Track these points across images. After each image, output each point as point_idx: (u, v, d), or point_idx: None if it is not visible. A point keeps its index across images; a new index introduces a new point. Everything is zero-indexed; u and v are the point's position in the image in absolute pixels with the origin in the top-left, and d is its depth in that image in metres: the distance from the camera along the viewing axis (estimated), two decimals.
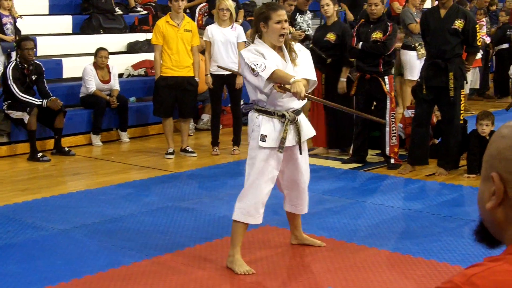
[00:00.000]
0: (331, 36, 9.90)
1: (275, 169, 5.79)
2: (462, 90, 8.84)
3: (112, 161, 10.02)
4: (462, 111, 8.89)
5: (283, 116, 5.67)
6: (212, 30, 10.17)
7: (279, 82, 5.55)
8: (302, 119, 5.88)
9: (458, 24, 8.65)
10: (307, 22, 11.14)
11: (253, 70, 5.47)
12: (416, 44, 12.16)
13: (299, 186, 6.06)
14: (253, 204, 5.75)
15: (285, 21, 5.65)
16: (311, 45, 10.01)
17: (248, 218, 5.80)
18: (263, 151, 5.69)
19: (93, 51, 11.45)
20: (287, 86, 5.50)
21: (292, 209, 6.19)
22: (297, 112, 5.77)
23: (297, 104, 5.73)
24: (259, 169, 5.73)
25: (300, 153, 5.84)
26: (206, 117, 12.40)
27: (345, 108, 6.60)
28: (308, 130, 5.94)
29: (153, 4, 14.66)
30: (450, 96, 8.70)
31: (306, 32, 10.78)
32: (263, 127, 5.68)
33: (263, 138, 5.66)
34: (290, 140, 5.72)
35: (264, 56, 5.59)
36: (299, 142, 5.78)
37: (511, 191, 1.70)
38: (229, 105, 10.98)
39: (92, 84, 11.14)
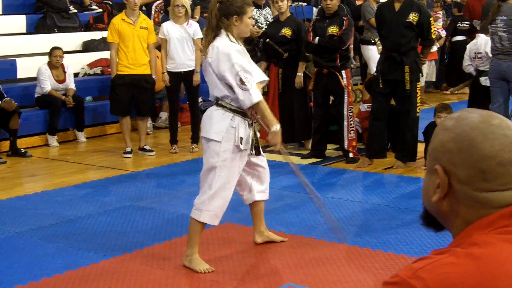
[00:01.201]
0: (286, 31, 9.90)
1: (241, 170, 5.80)
2: (418, 83, 8.89)
3: (69, 162, 9.93)
4: (418, 104, 8.94)
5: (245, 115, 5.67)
6: (168, 27, 10.11)
7: (260, 115, 5.59)
8: None
9: (413, 17, 8.70)
10: (264, 16, 11.10)
11: (242, 82, 5.41)
12: (376, 39, 12.21)
13: (262, 165, 6.05)
14: (221, 206, 5.73)
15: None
16: (267, 40, 10.00)
17: (215, 220, 5.76)
18: (239, 153, 5.65)
19: (48, 50, 11.33)
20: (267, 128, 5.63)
21: (262, 196, 6.12)
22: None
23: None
24: (233, 171, 5.69)
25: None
26: (164, 115, 12.34)
27: None
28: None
29: (110, 3, 14.55)
30: (406, 89, 8.75)
31: (263, 28, 10.75)
32: (240, 129, 5.61)
33: (241, 141, 5.61)
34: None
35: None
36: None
37: (455, 184, 1.71)
38: (187, 102, 10.94)
39: (47, 84, 11.02)
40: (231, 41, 5.60)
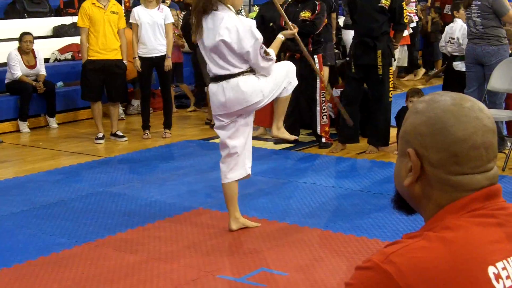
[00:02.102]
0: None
1: None
2: (390, 68, 8.91)
3: (40, 148, 9.87)
4: (390, 89, 8.96)
5: None
6: (139, 12, 10.05)
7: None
8: None
9: (385, 2, 8.70)
10: None
11: (267, 54, 5.78)
12: None
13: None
14: None
15: None
16: (271, 24, 9.94)
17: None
18: None
19: (18, 36, 11.21)
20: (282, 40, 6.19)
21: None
22: None
23: None
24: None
25: None
26: (136, 103, 12.29)
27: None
28: None
29: None
30: (379, 74, 8.77)
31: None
32: None
33: None
34: None
35: None
36: None
37: (427, 167, 1.71)
38: (158, 88, 10.90)
39: (18, 69, 10.93)
40: (237, 15, 5.84)
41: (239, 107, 5.88)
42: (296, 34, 6.33)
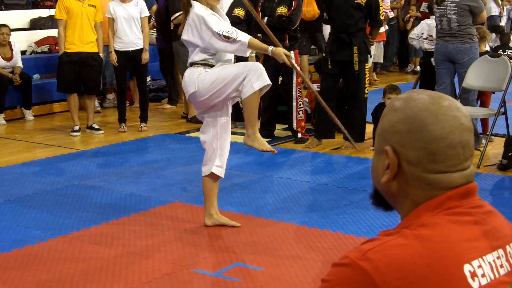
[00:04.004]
0: (239, 12, 9.87)
1: None
2: (366, 64, 8.95)
3: (16, 140, 9.82)
4: (366, 85, 8.99)
5: None
6: (114, 6, 10.03)
7: (255, 50, 6.03)
8: None
9: None
10: None
11: (227, 37, 5.64)
12: None
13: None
14: None
15: None
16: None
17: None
18: None
19: None
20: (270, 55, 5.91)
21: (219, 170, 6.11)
22: None
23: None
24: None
25: None
26: (112, 96, 12.26)
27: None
28: None
29: None
30: (355, 70, 8.80)
31: None
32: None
33: None
34: None
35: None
36: None
37: (405, 164, 1.72)
38: (129, 81, 10.87)
39: None
40: (202, 7, 5.82)
41: (187, 97, 6.05)
42: (286, 59, 5.92)
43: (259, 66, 5.70)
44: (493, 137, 8.97)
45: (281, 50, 5.88)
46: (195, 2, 5.85)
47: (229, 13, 9.92)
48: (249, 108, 5.81)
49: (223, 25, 5.75)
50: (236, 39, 5.65)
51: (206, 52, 5.83)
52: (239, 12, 9.87)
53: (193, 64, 5.88)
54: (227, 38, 5.64)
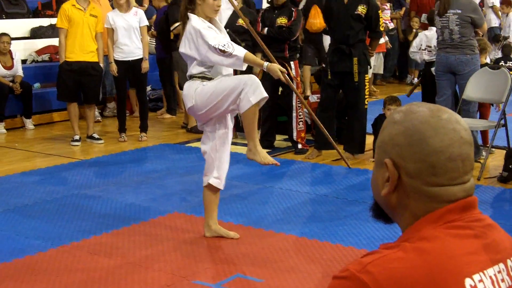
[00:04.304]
0: (242, 22, 9.87)
1: None
2: (366, 75, 8.96)
3: (16, 149, 9.82)
4: (366, 96, 9.00)
5: None
6: (114, 16, 10.05)
7: (250, 64, 5.89)
8: None
9: (361, 9, 8.76)
10: None
11: (223, 51, 5.62)
12: None
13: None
14: None
15: None
16: (226, 30, 9.93)
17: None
18: None
19: None
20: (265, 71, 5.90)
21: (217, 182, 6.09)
22: None
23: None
24: None
25: None
26: (112, 105, 12.28)
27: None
28: None
29: None
30: (355, 81, 8.81)
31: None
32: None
33: None
34: None
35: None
36: None
37: (404, 177, 1.73)
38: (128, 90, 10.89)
39: None
40: (199, 20, 5.82)
41: (187, 110, 6.10)
42: (281, 75, 5.91)
43: (255, 79, 5.67)
44: (493, 149, 8.97)
45: (276, 66, 5.87)
46: (192, 15, 5.84)
47: (233, 23, 9.93)
48: (248, 122, 5.79)
49: (220, 39, 5.73)
50: (232, 53, 5.63)
51: (203, 65, 5.83)
52: (243, 22, 9.86)
53: (191, 77, 5.89)
54: (223, 52, 5.62)
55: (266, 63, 5.84)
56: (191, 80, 5.88)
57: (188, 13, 5.86)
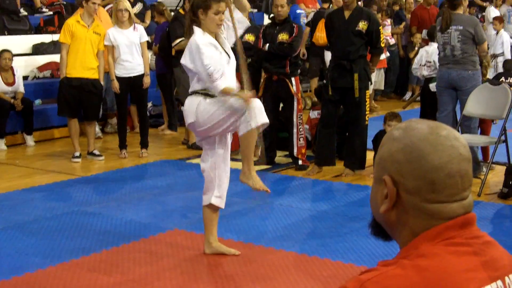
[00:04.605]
0: (250, 37, 9.88)
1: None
2: (367, 91, 8.96)
3: (17, 166, 9.81)
4: (367, 112, 9.00)
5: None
6: (114, 33, 10.03)
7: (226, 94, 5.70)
8: None
9: (362, 25, 8.77)
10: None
11: (209, 75, 5.61)
12: None
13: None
14: None
15: (223, 12, 5.82)
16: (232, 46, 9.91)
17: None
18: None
19: None
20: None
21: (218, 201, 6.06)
22: None
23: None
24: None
25: None
26: (114, 121, 12.28)
27: None
28: None
29: (64, 3, 14.37)
30: (356, 97, 8.81)
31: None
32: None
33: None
34: None
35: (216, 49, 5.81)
36: None
37: (403, 194, 1.72)
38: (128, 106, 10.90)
39: None
40: (203, 34, 5.80)
41: (187, 125, 6.09)
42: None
43: (258, 104, 5.63)
44: (493, 165, 8.96)
45: (243, 93, 5.68)
46: (197, 28, 5.84)
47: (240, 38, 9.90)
48: (245, 145, 5.78)
49: (214, 60, 5.69)
50: (214, 82, 5.62)
51: (198, 79, 5.83)
52: (250, 37, 9.87)
53: (194, 92, 5.87)
54: (209, 75, 5.62)
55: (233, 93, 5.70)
56: (193, 96, 5.86)
57: (194, 26, 5.86)
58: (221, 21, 5.85)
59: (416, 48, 15.42)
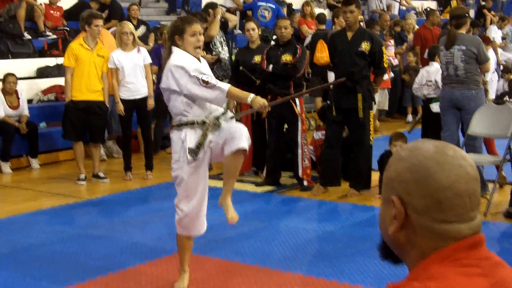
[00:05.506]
0: (257, 59, 9.89)
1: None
2: (371, 111, 8.97)
3: (22, 189, 9.82)
4: (371, 132, 9.00)
5: (203, 123, 5.54)
6: (118, 56, 10.05)
7: (234, 99, 5.54)
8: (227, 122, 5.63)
9: (365, 46, 8.79)
10: (219, 40, 11.05)
11: (206, 82, 5.41)
12: None
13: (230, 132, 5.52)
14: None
15: (200, 33, 5.63)
16: (240, 68, 9.94)
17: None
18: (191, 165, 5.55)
19: (1, 76, 11.22)
20: (249, 103, 5.66)
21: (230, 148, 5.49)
22: (217, 117, 5.57)
23: (218, 110, 5.61)
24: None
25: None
26: (109, 144, 12.28)
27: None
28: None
29: (68, 29, 14.43)
30: (359, 117, 8.81)
31: (220, 54, 10.74)
32: (188, 139, 5.53)
33: (190, 152, 5.51)
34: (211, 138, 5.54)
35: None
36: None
37: (412, 214, 1.72)
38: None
39: (1, 110, 10.92)
40: (182, 53, 5.61)
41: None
42: (264, 110, 5.76)
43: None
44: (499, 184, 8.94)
45: (260, 100, 5.60)
46: (176, 48, 5.65)
47: (248, 60, 9.93)
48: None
49: (202, 70, 5.54)
50: (216, 85, 5.44)
51: (184, 104, 5.56)
52: (257, 59, 9.86)
53: (180, 125, 5.61)
54: (205, 83, 5.43)
55: (251, 96, 5.61)
56: (179, 131, 5.61)
57: (172, 47, 5.67)
58: (198, 42, 5.62)
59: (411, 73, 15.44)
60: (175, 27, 5.67)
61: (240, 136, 5.37)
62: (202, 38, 5.67)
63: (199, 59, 5.70)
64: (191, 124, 5.55)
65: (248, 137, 5.46)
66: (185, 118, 5.55)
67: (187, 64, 5.50)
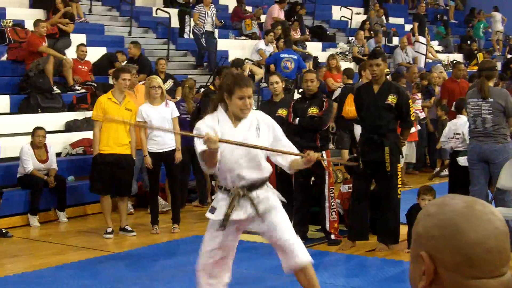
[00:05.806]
0: (283, 112, 9.92)
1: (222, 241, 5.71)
2: (398, 164, 8.94)
3: (50, 242, 9.85)
4: (399, 186, 8.97)
5: (229, 191, 5.59)
6: (146, 110, 10.11)
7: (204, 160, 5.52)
8: (263, 193, 5.70)
9: (392, 99, 8.79)
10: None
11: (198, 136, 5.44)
12: None
13: (277, 243, 5.76)
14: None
15: (249, 97, 5.64)
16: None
17: None
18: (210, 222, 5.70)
19: (31, 130, 11.34)
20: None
21: (286, 266, 5.81)
22: (249, 187, 5.60)
23: (247, 179, 5.60)
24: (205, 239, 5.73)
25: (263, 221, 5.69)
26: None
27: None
28: (271, 201, 5.76)
29: (95, 84, 14.58)
30: (387, 171, 8.78)
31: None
32: (214, 200, 5.70)
33: (212, 209, 5.65)
34: (240, 214, 5.57)
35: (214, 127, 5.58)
36: (257, 213, 5.60)
37: (441, 270, 1.71)
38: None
39: (30, 164, 11.00)
40: (211, 117, 5.69)
41: None
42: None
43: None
44: None
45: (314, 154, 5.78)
46: (219, 109, 5.72)
47: (273, 113, 9.94)
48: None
49: (204, 129, 5.48)
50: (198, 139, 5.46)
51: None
52: (283, 112, 9.89)
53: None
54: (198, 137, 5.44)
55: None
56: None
57: (219, 105, 5.74)
58: (245, 105, 5.62)
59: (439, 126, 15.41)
60: (227, 85, 5.67)
61: (291, 249, 5.71)
62: (251, 101, 5.69)
63: (238, 120, 5.71)
64: (219, 188, 5.69)
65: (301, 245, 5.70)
66: (218, 178, 5.68)
67: (202, 125, 5.59)
